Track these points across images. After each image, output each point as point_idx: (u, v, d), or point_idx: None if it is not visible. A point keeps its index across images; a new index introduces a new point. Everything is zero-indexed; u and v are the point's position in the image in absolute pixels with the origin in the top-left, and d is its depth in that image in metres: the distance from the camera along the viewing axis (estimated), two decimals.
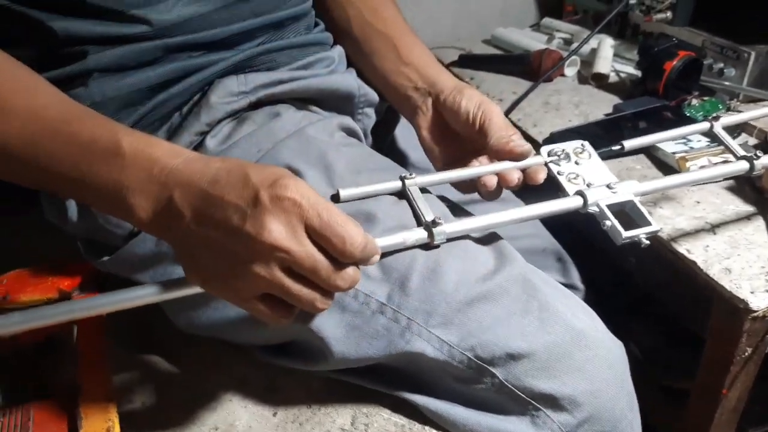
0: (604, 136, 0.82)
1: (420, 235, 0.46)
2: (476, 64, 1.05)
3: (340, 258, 0.38)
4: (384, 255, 0.45)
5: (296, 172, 0.50)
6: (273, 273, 0.37)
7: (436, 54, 1.12)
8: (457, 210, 0.56)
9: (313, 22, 0.66)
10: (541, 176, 0.53)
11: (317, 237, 0.38)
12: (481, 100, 0.55)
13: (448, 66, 1.08)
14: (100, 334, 0.50)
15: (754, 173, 0.55)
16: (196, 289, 0.40)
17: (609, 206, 0.49)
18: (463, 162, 0.57)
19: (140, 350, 0.57)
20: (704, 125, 0.60)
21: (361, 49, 0.65)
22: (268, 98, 0.57)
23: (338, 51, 0.65)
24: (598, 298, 0.76)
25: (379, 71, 0.63)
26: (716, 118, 0.60)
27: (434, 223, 0.46)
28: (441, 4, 1.21)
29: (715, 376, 0.62)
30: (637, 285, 0.82)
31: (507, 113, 0.91)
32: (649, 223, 0.48)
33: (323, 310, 0.40)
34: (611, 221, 0.47)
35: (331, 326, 0.47)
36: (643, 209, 0.49)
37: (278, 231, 0.36)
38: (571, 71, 1.00)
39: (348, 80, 0.63)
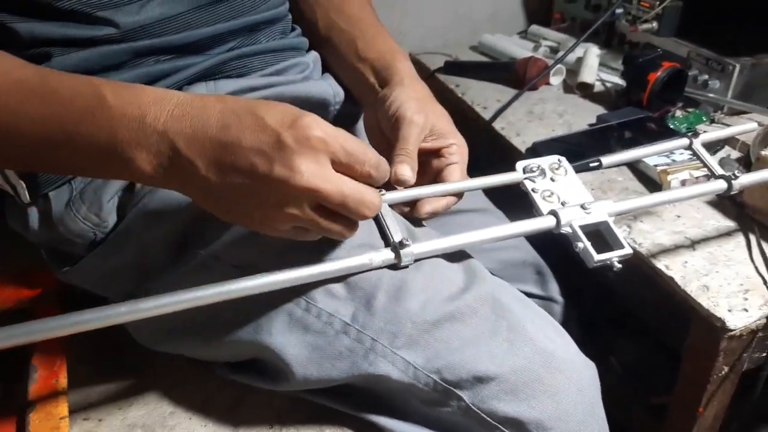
0: (588, 145, 0.81)
1: (387, 256, 0.44)
2: (461, 71, 1.04)
3: (362, 180, 0.39)
4: (350, 275, 0.45)
5: None
6: (305, 212, 0.38)
7: (422, 60, 1.13)
8: (428, 223, 0.55)
9: (289, 27, 0.65)
10: (424, 210, 0.51)
11: (342, 168, 0.38)
12: (400, 104, 0.52)
13: (434, 72, 1.07)
14: (56, 347, 0.49)
15: (732, 193, 0.54)
16: (165, 309, 0.38)
17: (582, 227, 0.48)
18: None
19: (99, 365, 0.56)
20: (683, 141, 0.59)
21: (327, 48, 0.64)
22: None
23: (313, 56, 0.64)
24: (578, 311, 0.75)
25: (341, 69, 0.62)
26: (696, 135, 0.59)
27: (401, 245, 0.44)
28: (429, 9, 1.20)
29: (691, 394, 0.61)
30: (618, 299, 0.81)
31: (491, 121, 0.90)
32: (621, 246, 0.47)
33: (347, 239, 0.41)
34: (584, 243, 0.46)
35: (292, 346, 0.46)
36: (617, 231, 0.48)
37: (309, 172, 0.36)
38: (556, 80, 0.99)
39: (322, 87, 0.62)
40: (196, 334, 0.49)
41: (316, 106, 0.62)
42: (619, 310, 0.83)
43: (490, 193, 0.74)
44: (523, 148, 0.83)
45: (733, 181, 0.54)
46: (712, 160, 0.57)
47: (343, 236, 0.41)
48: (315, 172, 0.37)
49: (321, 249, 0.45)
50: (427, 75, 1.07)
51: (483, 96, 0.97)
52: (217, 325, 0.48)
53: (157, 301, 0.38)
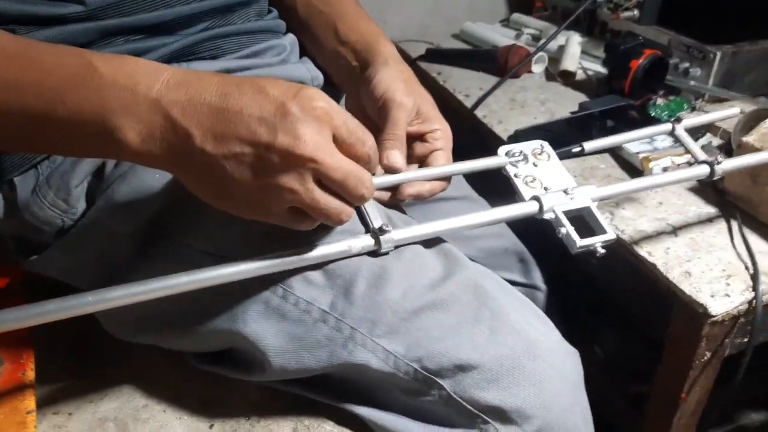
0: (570, 133, 0.81)
1: (366, 242, 0.43)
2: (443, 58, 1.03)
3: (359, 163, 0.38)
4: (329, 262, 0.43)
5: None
6: (306, 185, 0.36)
7: (404, 48, 1.11)
8: (409, 210, 0.54)
9: (265, 9, 0.63)
10: (407, 193, 0.49)
11: (343, 145, 0.37)
12: (388, 86, 0.51)
13: (416, 60, 1.05)
14: (23, 339, 0.47)
15: (714, 178, 0.54)
16: (134, 299, 0.37)
17: (565, 212, 0.47)
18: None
19: (69, 357, 0.53)
20: (666, 127, 0.59)
21: (306, 32, 0.62)
22: None
23: (290, 39, 0.62)
24: (562, 299, 0.74)
25: (321, 53, 0.61)
26: (678, 120, 0.59)
27: (381, 231, 0.43)
28: None
29: (674, 380, 0.61)
30: (601, 287, 0.81)
31: (473, 109, 0.89)
32: (604, 231, 0.46)
33: (343, 223, 0.39)
34: (567, 229, 0.46)
35: (269, 335, 0.44)
36: (600, 216, 0.47)
37: (313, 141, 0.35)
38: (538, 68, 0.99)
39: (300, 70, 0.60)
40: (169, 324, 0.48)
41: None
42: (602, 298, 0.83)
43: (473, 181, 0.73)
44: (505, 136, 0.82)
45: (715, 166, 0.53)
46: (695, 146, 0.57)
47: (340, 219, 0.38)
48: (319, 144, 0.35)
49: (298, 236, 0.44)
50: (408, 63, 1.06)
51: (465, 84, 0.96)
52: (192, 315, 0.46)
53: (127, 290, 0.36)
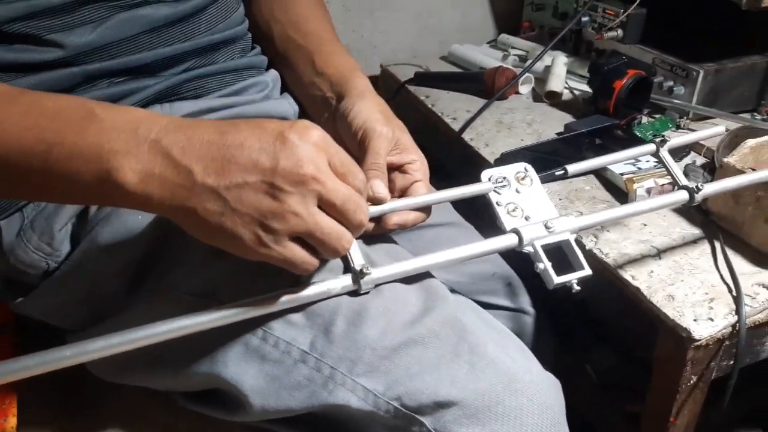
0: (557, 154, 0.81)
1: (346, 282, 0.44)
2: (431, 81, 1.04)
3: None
4: (308, 305, 0.44)
5: None
6: (309, 209, 0.37)
7: (393, 71, 1.12)
8: (396, 238, 0.54)
9: (249, 45, 0.64)
10: (392, 222, 0.49)
11: (337, 174, 0.38)
12: (367, 117, 0.52)
13: (404, 83, 1.06)
14: (6, 383, 0.47)
15: (694, 204, 0.54)
16: (116, 349, 0.37)
17: (544, 246, 0.47)
18: None
19: (53, 400, 0.54)
20: (650, 148, 0.59)
21: (283, 64, 0.63)
22: None
23: (272, 75, 0.63)
24: (553, 321, 0.75)
25: (297, 85, 0.62)
26: (663, 142, 0.59)
27: (362, 273, 0.43)
28: (399, 20, 1.20)
29: (662, 403, 0.61)
30: (591, 309, 0.81)
31: (460, 132, 0.90)
32: (582, 267, 0.46)
33: (343, 252, 0.39)
34: (544, 265, 0.46)
35: (249, 376, 0.45)
36: (578, 251, 0.48)
37: (314, 163, 0.36)
38: (525, 89, 1.00)
39: (282, 105, 0.61)
40: (152, 367, 0.48)
41: None
42: (593, 319, 0.83)
43: (460, 205, 0.74)
44: (492, 159, 0.83)
45: (695, 194, 0.54)
46: (677, 169, 0.57)
47: (342, 247, 0.39)
48: (320, 167, 0.37)
49: (280, 273, 0.44)
50: (397, 86, 1.07)
51: (452, 107, 0.97)
52: (173, 357, 0.47)
53: (105, 342, 0.36)
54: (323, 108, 0.58)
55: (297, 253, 0.38)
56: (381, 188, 0.48)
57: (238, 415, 0.47)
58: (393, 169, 0.54)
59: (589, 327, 0.84)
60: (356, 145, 0.52)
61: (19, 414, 0.48)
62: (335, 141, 0.55)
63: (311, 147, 0.36)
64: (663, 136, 0.82)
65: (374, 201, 0.48)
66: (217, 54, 0.59)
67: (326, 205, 0.37)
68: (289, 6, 0.65)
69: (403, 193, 0.54)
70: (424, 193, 0.52)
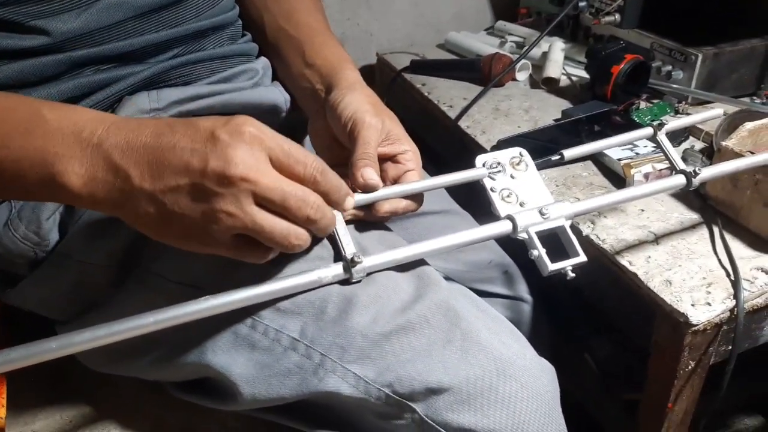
0: (554, 141, 0.80)
1: (337, 271, 0.43)
2: (427, 69, 1.03)
3: (306, 185, 0.38)
4: (299, 293, 0.43)
5: None
6: (244, 207, 0.36)
7: (389, 60, 1.11)
8: (390, 225, 0.53)
9: (239, 33, 0.63)
10: (383, 209, 0.49)
11: (281, 167, 0.37)
12: (356, 108, 0.51)
13: (400, 72, 1.05)
14: None
15: (691, 188, 0.53)
16: (103, 341, 0.36)
17: (539, 233, 0.47)
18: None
19: (44, 389, 0.53)
20: (648, 131, 0.58)
21: (274, 55, 0.62)
22: (184, 114, 0.54)
23: (263, 62, 0.62)
24: (551, 309, 0.74)
25: (287, 75, 0.61)
26: (660, 125, 0.58)
27: (353, 262, 0.43)
28: (395, 8, 1.19)
29: (660, 390, 0.61)
30: (589, 296, 0.80)
31: (456, 120, 0.89)
32: (577, 254, 0.46)
33: (298, 249, 0.39)
34: (539, 251, 0.45)
35: (239, 365, 0.44)
36: (573, 238, 0.47)
37: (244, 163, 0.36)
38: (522, 76, 0.99)
39: (273, 93, 0.60)
40: (141, 357, 0.48)
41: (267, 112, 0.60)
42: (592, 307, 0.82)
43: (457, 193, 0.73)
44: (488, 146, 0.82)
45: (693, 179, 0.53)
46: (675, 153, 0.56)
47: (291, 243, 0.38)
48: (252, 165, 0.36)
49: (269, 262, 0.44)
50: (393, 74, 1.06)
51: (449, 95, 0.96)
52: (163, 347, 0.46)
53: (92, 333, 0.36)
54: (313, 100, 0.57)
55: (237, 249, 0.38)
56: (372, 175, 0.47)
57: (229, 404, 0.47)
58: (385, 160, 0.53)
59: (588, 315, 0.84)
60: (346, 137, 0.51)
61: (8, 403, 0.48)
62: (326, 133, 0.55)
63: (243, 145, 0.36)
64: (661, 121, 0.82)
65: (366, 188, 0.48)
66: (205, 41, 0.58)
67: (266, 203, 0.37)
68: None
69: (395, 182, 0.53)
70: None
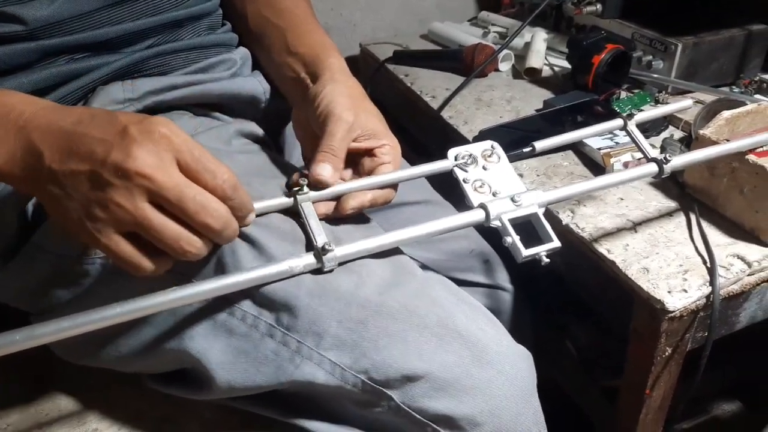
0: (535, 130, 0.81)
1: (308, 261, 0.43)
2: (411, 60, 1.03)
3: (216, 194, 0.38)
4: (270, 284, 0.43)
5: None
6: (136, 203, 0.36)
7: (373, 50, 1.11)
8: (366, 220, 0.53)
9: (218, 22, 0.63)
10: (348, 206, 0.48)
11: (188, 172, 0.38)
12: (330, 101, 0.50)
13: (383, 62, 1.05)
14: None
15: (663, 176, 0.54)
16: (83, 329, 0.36)
17: (512, 220, 0.47)
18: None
19: (21, 381, 0.53)
20: (618, 122, 0.59)
21: (257, 43, 0.62)
22: (159, 105, 0.53)
23: (242, 52, 0.62)
24: (532, 297, 0.74)
25: (270, 64, 0.60)
26: (630, 116, 0.58)
27: (324, 250, 0.43)
28: None
29: (638, 376, 0.61)
30: (569, 284, 0.81)
31: (439, 110, 0.89)
32: (551, 239, 0.46)
33: (191, 256, 0.39)
34: (512, 238, 0.45)
35: (216, 351, 0.44)
36: (546, 224, 0.47)
37: (143, 159, 0.36)
38: (505, 66, 0.99)
39: (251, 83, 0.60)
40: (117, 346, 0.47)
41: (245, 102, 0.60)
42: (572, 295, 0.83)
43: (438, 184, 0.73)
44: (470, 137, 0.82)
45: (664, 165, 0.53)
46: (645, 142, 0.56)
47: (182, 248, 0.38)
48: (152, 163, 0.36)
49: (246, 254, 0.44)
50: (377, 65, 1.06)
51: (432, 85, 0.96)
52: (138, 336, 0.46)
53: (58, 325, 0.35)
54: (296, 89, 0.56)
55: (123, 247, 0.38)
56: (323, 170, 0.47)
57: (204, 393, 0.47)
58: (362, 155, 0.52)
59: (568, 303, 0.84)
60: (320, 130, 0.51)
61: None
62: (308, 123, 0.54)
63: (148, 144, 0.36)
64: (631, 111, 0.82)
65: (317, 183, 0.47)
66: (182, 30, 0.57)
67: (163, 202, 0.37)
68: None
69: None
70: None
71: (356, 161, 0.52)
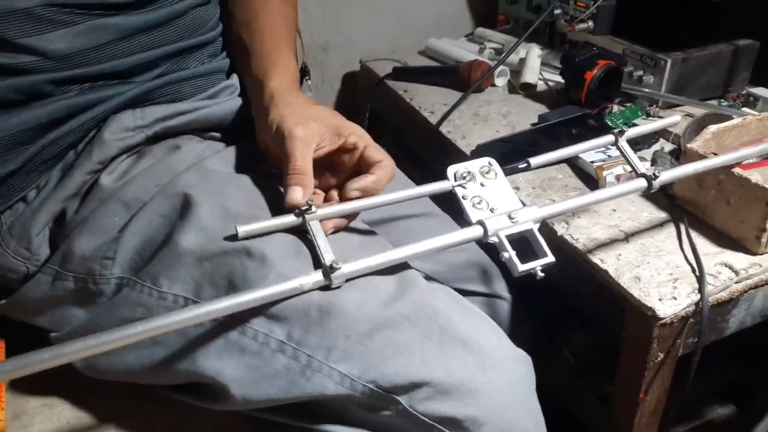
0: (531, 144, 0.84)
1: (317, 278, 0.45)
2: (409, 76, 1.06)
3: None
4: (280, 301, 0.45)
5: (191, 204, 0.49)
6: None
7: (372, 67, 1.14)
8: (365, 234, 0.56)
9: (219, 49, 0.65)
10: (328, 227, 0.49)
11: None
12: (278, 124, 0.50)
13: (382, 79, 1.08)
14: None
15: (652, 191, 0.56)
16: (106, 347, 0.37)
17: (509, 236, 0.49)
18: None
19: (37, 388, 0.55)
20: (609, 138, 0.62)
21: (238, 66, 0.63)
22: (167, 131, 0.56)
23: (236, 77, 0.64)
24: (530, 306, 0.77)
25: (245, 87, 0.61)
26: (621, 132, 0.61)
27: (332, 268, 0.45)
28: (377, 16, 1.22)
29: (631, 381, 0.64)
30: (565, 293, 0.83)
31: (437, 126, 0.92)
32: (545, 255, 0.48)
33: None
34: (509, 254, 0.48)
35: (230, 368, 0.46)
36: (541, 240, 0.50)
37: None
38: (501, 81, 1.02)
39: (248, 108, 0.62)
40: (130, 364, 0.49)
41: (245, 122, 0.62)
42: (568, 304, 0.86)
43: (436, 196, 0.75)
44: (468, 151, 0.85)
45: (653, 181, 0.56)
46: (635, 158, 0.59)
47: None
48: None
49: (253, 278, 0.46)
50: (376, 81, 1.09)
51: (430, 101, 0.99)
52: (153, 354, 0.48)
53: (84, 344, 0.37)
54: (255, 111, 0.56)
55: None
56: (294, 194, 0.47)
57: (221, 404, 0.49)
58: (337, 155, 0.53)
59: (565, 311, 0.87)
60: (280, 153, 0.51)
61: (8, 407, 0.50)
62: (264, 145, 0.53)
63: None
64: (634, 123, 0.85)
65: (293, 207, 0.48)
66: (189, 59, 0.60)
67: None
68: (245, 2, 0.63)
69: (354, 171, 0.53)
70: (378, 157, 0.51)
71: (334, 162, 0.53)
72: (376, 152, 0.51)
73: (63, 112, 0.51)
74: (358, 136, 0.52)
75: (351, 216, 0.52)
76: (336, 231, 0.51)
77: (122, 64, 0.53)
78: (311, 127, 0.51)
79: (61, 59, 0.50)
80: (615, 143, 0.61)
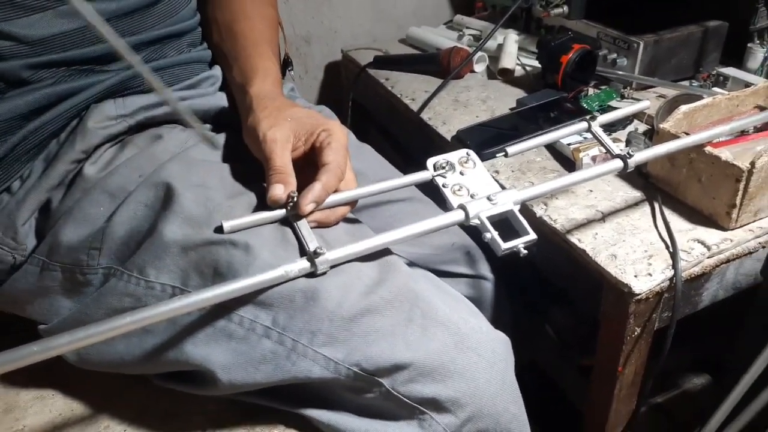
0: (510, 128, 0.85)
1: (302, 265, 0.46)
2: (390, 65, 1.07)
3: None
4: (267, 289, 0.46)
5: (174, 193, 0.49)
6: None
7: (354, 56, 1.15)
8: (349, 222, 0.57)
9: (198, 39, 0.65)
10: (332, 219, 0.51)
11: None
12: (256, 128, 0.51)
13: (364, 68, 1.09)
14: None
15: (628, 171, 0.58)
16: (94, 339, 0.38)
17: (490, 218, 0.51)
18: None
19: (28, 381, 0.56)
20: (582, 125, 0.63)
21: (224, 71, 0.64)
22: (150, 120, 0.56)
23: (219, 69, 0.65)
24: (512, 285, 0.79)
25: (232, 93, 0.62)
26: (593, 118, 0.63)
27: (316, 254, 0.46)
28: (357, 6, 1.22)
29: (610, 355, 0.66)
30: (545, 272, 0.85)
31: (419, 112, 0.93)
32: (527, 232, 0.50)
33: None
34: (491, 233, 0.49)
35: (217, 354, 0.47)
36: (522, 219, 0.51)
37: None
38: (480, 67, 1.03)
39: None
40: (123, 354, 0.50)
41: (231, 115, 0.63)
42: (550, 283, 0.88)
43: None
44: (449, 137, 0.86)
45: (628, 161, 0.58)
46: (609, 141, 0.61)
47: None
48: None
49: (239, 266, 0.47)
50: (358, 70, 1.09)
51: (411, 88, 1.00)
52: (143, 343, 0.49)
53: (72, 336, 0.37)
54: (242, 115, 0.57)
55: None
56: (275, 191, 0.48)
57: (209, 389, 0.50)
58: (315, 153, 0.53)
59: (546, 290, 0.89)
60: (261, 155, 0.51)
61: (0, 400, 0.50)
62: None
63: None
64: (609, 105, 0.87)
65: (275, 205, 0.49)
66: (166, 48, 0.60)
67: None
68: (225, 4, 0.64)
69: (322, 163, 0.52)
70: (333, 153, 0.51)
71: (315, 160, 0.53)
72: (328, 154, 0.50)
73: (42, 101, 0.51)
74: (328, 133, 0.52)
75: (352, 203, 0.53)
76: (325, 225, 0.52)
77: (98, 50, 0.53)
78: (285, 128, 0.51)
79: (36, 43, 0.50)
80: (588, 129, 0.63)
